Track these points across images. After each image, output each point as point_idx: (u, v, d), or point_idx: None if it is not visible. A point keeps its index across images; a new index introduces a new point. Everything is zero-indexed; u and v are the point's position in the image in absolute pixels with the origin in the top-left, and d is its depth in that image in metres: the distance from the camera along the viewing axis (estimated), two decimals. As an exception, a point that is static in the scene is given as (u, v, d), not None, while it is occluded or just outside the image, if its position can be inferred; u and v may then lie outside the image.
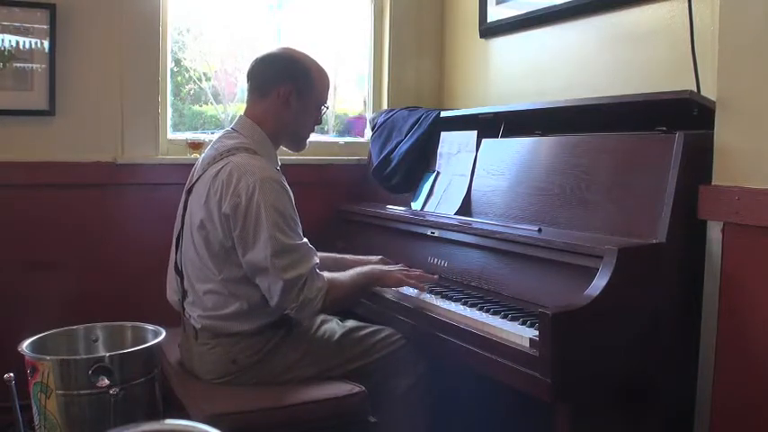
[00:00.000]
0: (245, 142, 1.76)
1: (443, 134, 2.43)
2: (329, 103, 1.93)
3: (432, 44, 3.12)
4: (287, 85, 1.79)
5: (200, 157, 1.86)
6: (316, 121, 1.89)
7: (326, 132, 3.03)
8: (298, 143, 1.91)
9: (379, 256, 2.14)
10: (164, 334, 1.82)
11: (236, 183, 1.64)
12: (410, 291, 1.94)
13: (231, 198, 1.64)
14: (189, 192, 1.80)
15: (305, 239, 1.70)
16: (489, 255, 1.92)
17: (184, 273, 1.77)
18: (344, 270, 2.17)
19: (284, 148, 1.92)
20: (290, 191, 1.72)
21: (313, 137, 1.95)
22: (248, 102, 1.86)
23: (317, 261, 1.70)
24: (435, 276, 1.98)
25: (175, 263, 1.82)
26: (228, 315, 1.70)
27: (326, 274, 1.73)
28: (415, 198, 2.44)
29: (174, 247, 1.84)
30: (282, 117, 1.82)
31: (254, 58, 1.86)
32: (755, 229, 1.50)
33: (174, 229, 1.86)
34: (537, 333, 1.46)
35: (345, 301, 1.84)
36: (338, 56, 3.06)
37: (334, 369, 1.81)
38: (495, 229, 1.90)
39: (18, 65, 2.36)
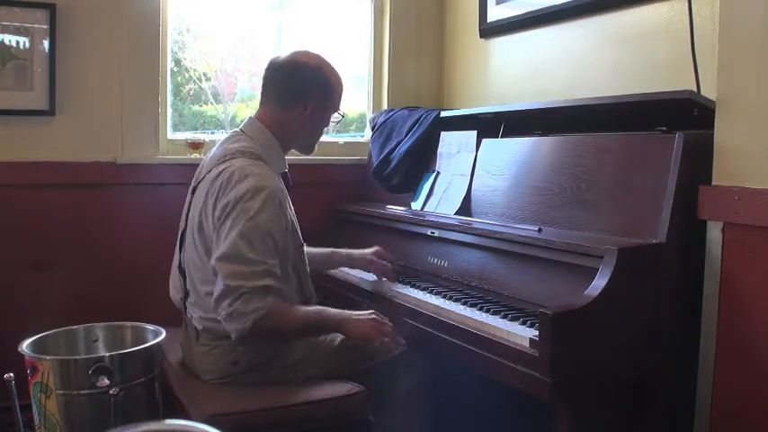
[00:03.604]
0: (251, 146, 1.75)
1: (443, 134, 2.43)
2: (342, 110, 1.92)
3: (432, 44, 3.12)
4: (314, 101, 1.79)
5: (206, 157, 1.85)
6: (326, 125, 1.90)
7: (326, 132, 3.03)
8: (309, 148, 1.92)
9: (374, 248, 2.13)
10: (164, 334, 1.82)
11: (231, 186, 1.63)
12: (414, 291, 1.94)
13: (222, 199, 1.64)
14: (193, 191, 1.79)
15: (271, 262, 1.62)
16: (489, 255, 1.91)
17: (187, 273, 1.77)
18: (336, 265, 2.19)
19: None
20: (283, 205, 1.68)
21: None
22: (263, 105, 1.84)
23: (271, 285, 1.60)
24: (402, 345, 1.78)
25: (179, 262, 1.82)
26: None
27: (280, 303, 1.62)
28: (415, 198, 2.44)
29: (178, 246, 1.84)
30: (301, 129, 1.82)
31: (275, 63, 1.82)
32: (755, 229, 1.50)
33: (179, 228, 1.86)
34: (537, 333, 1.46)
35: (287, 334, 1.71)
36: (338, 56, 3.05)
37: (334, 372, 1.80)
38: (495, 229, 1.90)
39: (18, 65, 2.36)
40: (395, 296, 1.98)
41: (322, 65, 1.83)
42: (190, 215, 1.78)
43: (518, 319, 1.62)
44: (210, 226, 1.67)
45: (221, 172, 1.68)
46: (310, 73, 1.81)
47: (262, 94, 1.85)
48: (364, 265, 2.14)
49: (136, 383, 1.71)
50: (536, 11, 2.52)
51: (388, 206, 2.50)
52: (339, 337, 1.84)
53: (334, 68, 1.86)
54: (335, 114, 1.89)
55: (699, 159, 1.60)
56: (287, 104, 1.80)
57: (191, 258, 1.75)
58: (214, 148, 1.84)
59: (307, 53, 1.85)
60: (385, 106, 3.04)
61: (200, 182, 1.77)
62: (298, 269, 1.82)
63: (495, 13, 2.74)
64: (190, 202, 1.80)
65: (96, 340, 1.89)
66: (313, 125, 1.84)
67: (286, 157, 1.88)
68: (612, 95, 1.95)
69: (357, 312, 1.75)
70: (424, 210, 2.36)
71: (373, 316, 1.73)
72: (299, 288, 1.82)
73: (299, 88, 1.80)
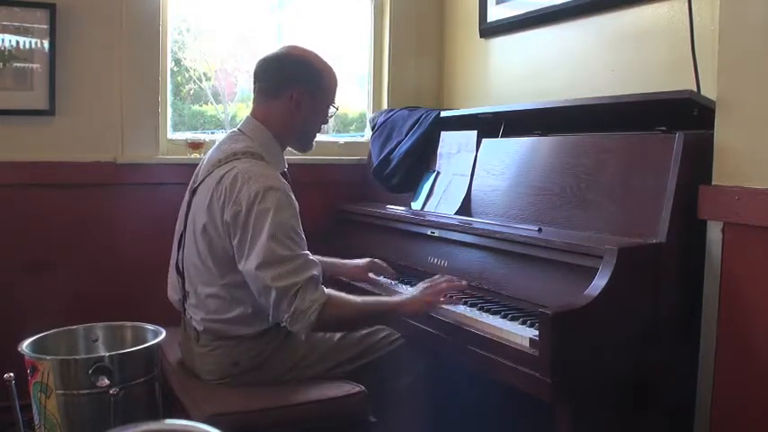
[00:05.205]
0: (252, 146, 1.74)
1: (443, 134, 2.43)
2: (337, 103, 1.90)
3: (432, 44, 3.12)
4: (300, 88, 1.77)
5: (205, 157, 1.84)
6: (323, 121, 1.88)
7: (326, 132, 3.03)
8: (305, 144, 1.90)
9: (368, 259, 2.16)
10: (164, 334, 1.82)
11: (238, 190, 1.62)
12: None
13: (233, 205, 1.62)
14: (193, 192, 1.78)
15: (305, 252, 1.64)
16: (489, 255, 1.91)
17: (186, 274, 1.76)
18: (334, 276, 2.19)
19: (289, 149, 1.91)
20: (294, 201, 1.68)
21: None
22: (256, 102, 1.84)
23: (317, 274, 1.62)
24: (464, 283, 1.85)
25: (177, 263, 1.81)
26: (231, 319, 1.70)
27: (334, 293, 1.66)
28: (415, 198, 2.44)
29: (175, 247, 1.84)
30: (293, 119, 1.80)
31: (262, 58, 1.83)
32: (755, 229, 1.50)
33: (175, 229, 1.85)
34: (537, 333, 1.46)
35: (351, 323, 1.75)
36: (338, 56, 3.06)
37: (334, 369, 1.81)
38: (495, 228, 1.90)
39: (18, 65, 2.36)
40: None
41: (310, 56, 1.83)
42: (190, 216, 1.76)
43: (518, 319, 1.62)
44: (220, 231, 1.65)
45: (224, 175, 1.66)
46: (296, 60, 1.81)
47: (253, 90, 1.85)
48: (360, 277, 2.16)
49: (136, 383, 1.71)
50: (536, 11, 2.52)
51: (388, 206, 2.50)
52: (338, 334, 1.84)
53: (325, 61, 1.85)
54: (330, 108, 1.88)
55: (699, 159, 1.60)
56: (275, 93, 1.79)
57: (190, 260, 1.74)
58: (213, 148, 1.83)
59: (295, 46, 1.86)
60: (385, 106, 3.04)
61: (200, 183, 1.75)
62: None
63: (495, 13, 2.74)
64: (190, 204, 1.79)
65: (96, 340, 1.89)
66: (303, 114, 1.80)
67: (285, 157, 1.87)
68: (612, 95, 1.95)
69: (409, 293, 1.83)
70: (424, 210, 2.36)
71: (424, 286, 1.80)
72: None
73: (285, 74, 1.79)
